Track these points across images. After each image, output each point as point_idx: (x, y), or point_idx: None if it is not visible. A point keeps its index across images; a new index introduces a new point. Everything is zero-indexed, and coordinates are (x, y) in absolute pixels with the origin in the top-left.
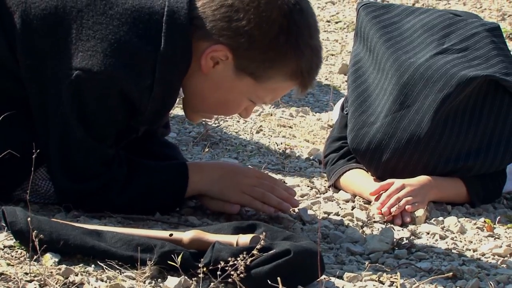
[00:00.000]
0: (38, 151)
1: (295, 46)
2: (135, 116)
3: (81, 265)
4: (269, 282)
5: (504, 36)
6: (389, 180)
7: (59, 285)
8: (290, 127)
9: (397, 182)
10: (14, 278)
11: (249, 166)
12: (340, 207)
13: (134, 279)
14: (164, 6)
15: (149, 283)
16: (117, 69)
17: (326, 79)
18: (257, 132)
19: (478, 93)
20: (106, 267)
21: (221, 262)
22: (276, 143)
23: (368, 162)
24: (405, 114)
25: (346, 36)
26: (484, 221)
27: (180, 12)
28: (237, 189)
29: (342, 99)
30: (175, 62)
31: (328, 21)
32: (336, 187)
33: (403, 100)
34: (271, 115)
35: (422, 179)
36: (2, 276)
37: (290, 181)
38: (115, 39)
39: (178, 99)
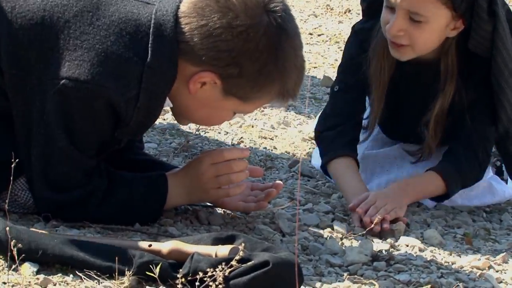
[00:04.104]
0: (17, 160)
1: (283, 70)
2: (120, 126)
3: (59, 274)
4: None
5: None
6: (365, 194)
7: None
8: (271, 138)
9: (372, 194)
10: None
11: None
12: (320, 219)
13: None
14: (151, 19)
15: None
16: (104, 79)
17: (308, 91)
18: (238, 144)
19: None
20: (85, 277)
21: (199, 273)
22: (257, 154)
23: None
24: None
25: (328, 48)
26: (463, 234)
27: (167, 25)
28: (207, 190)
29: None
30: (161, 73)
31: (310, 34)
32: (326, 169)
33: None
34: (252, 126)
35: (395, 184)
36: None
37: None
38: (102, 49)
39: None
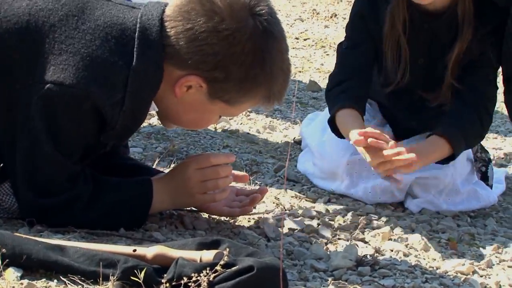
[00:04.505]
0: (1, 165)
1: (269, 74)
2: (105, 131)
3: (43, 280)
4: None
5: None
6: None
7: None
8: (257, 143)
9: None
10: None
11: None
12: (305, 224)
13: None
14: (136, 23)
15: None
16: (89, 83)
17: (294, 96)
18: (224, 148)
19: None
20: (69, 282)
21: (184, 278)
22: (242, 159)
23: None
24: None
25: (315, 53)
26: (448, 238)
27: (152, 29)
28: (193, 194)
29: (310, 115)
30: (146, 77)
31: (296, 38)
32: (334, 123)
33: None
34: (238, 131)
35: None
36: None
37: None
38: (88, 53)
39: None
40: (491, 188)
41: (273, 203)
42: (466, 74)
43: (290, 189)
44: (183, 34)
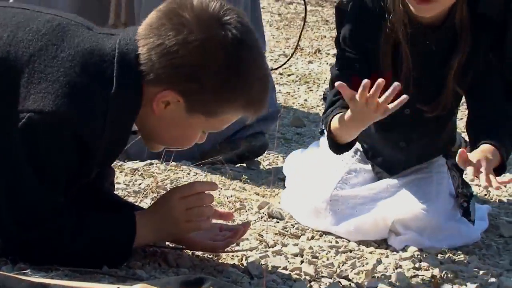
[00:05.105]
0: None
1: (245, 83)
2: (87, 157)
3: None
4: None
5: None
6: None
7: None
8: (241, 180)
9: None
10: None
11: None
12: (288, 261)
13: None
14: (115, 49)
15: None
16: (69, 109)
17: (278, 132)
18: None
19: None
20: None
21: None
22: (226, 196)
23: None
24: None
25: (298, 88)
26: (431, 276)
27: (131, 54)
28: (178, 223)
29: (294, 152)
30: (126, 103)
31: (280, 74)
32: (332, 136)
33: None
34: (222, 167)
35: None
36: None
37: None
38: (67, 80)
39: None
40: (473, 224)
41: (257, 240)
42: (478, 86)
43: (274, 226)
44: (155, 50)
